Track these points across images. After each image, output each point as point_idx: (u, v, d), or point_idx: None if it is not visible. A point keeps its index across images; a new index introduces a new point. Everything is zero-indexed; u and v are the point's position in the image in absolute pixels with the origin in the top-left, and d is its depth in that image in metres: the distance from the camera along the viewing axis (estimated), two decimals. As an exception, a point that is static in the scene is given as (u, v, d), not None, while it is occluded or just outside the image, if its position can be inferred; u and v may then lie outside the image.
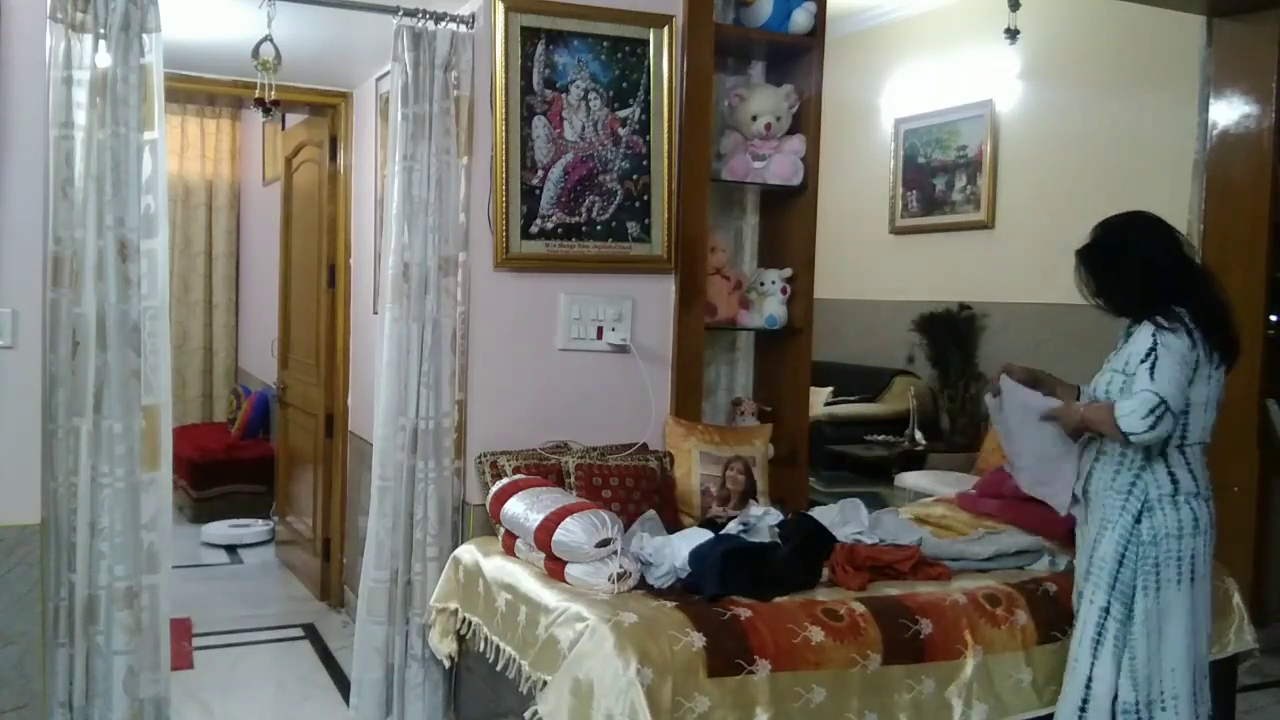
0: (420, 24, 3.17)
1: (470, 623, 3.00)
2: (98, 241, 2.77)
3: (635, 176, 3.44)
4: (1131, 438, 2.48)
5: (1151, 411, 2.44)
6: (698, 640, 2.41)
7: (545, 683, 2.49)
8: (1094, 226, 2.70)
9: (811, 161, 3.73)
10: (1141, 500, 2.56)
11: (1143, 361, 2.49)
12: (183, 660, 3.95)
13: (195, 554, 5.69)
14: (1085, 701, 2.60)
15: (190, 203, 7.64)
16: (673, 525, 3.28)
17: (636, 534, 2.89)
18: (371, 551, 3.24)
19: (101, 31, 2.76)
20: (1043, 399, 2.76)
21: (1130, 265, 2.60)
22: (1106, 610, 2.59)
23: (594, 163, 3.38)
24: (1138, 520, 2.56)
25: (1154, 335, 2.49)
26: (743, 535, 2.86)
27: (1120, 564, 2.57)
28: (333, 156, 4.71)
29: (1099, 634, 2.60)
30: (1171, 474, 2.56)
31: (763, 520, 2.90)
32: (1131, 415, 2.46)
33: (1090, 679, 2.60)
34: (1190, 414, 2.54)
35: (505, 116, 3.24)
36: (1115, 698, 2.58)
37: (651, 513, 3.13)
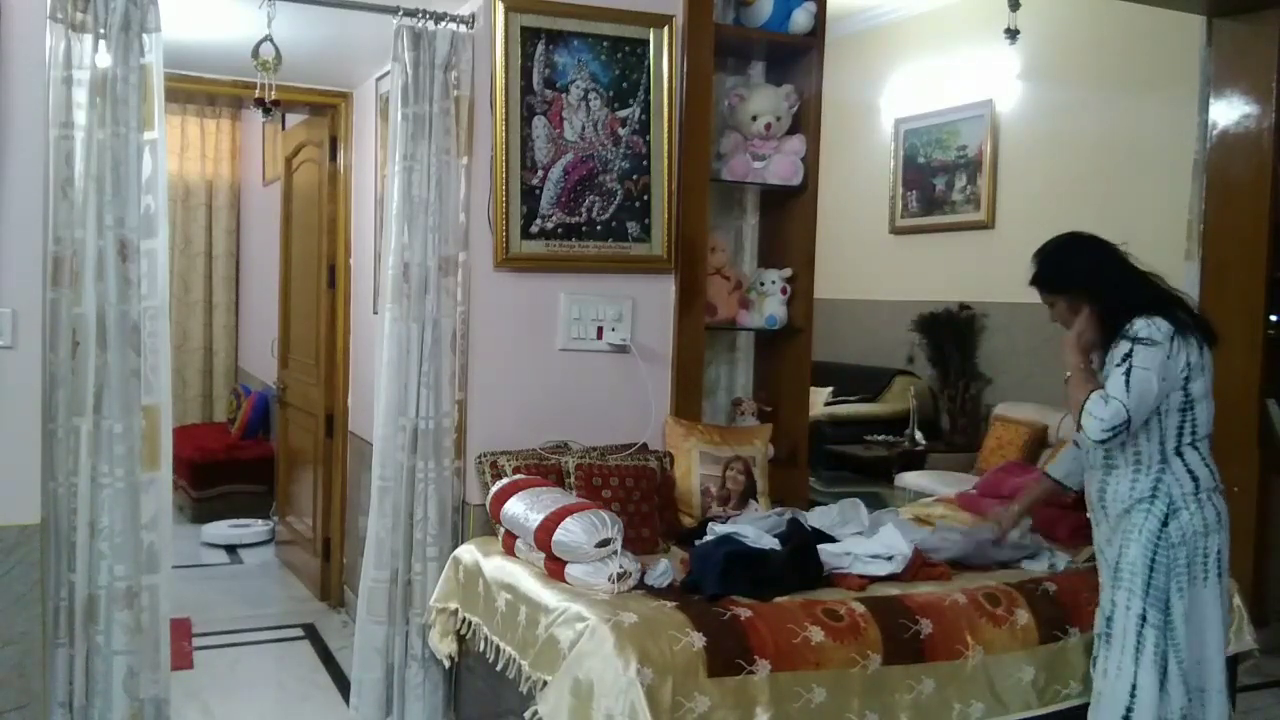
0: (420, 24, 3.17)
1: (470, 623, 3.00)
2: (98, 241, 2.77)
3: (635, 176, 3.44)
4: (1083, 436, 2.53)
5: (1114, 428, 2.46)
6: (698, 640, 2.41)
7: (545, 683, 2.49)
8: (1033, 257, 2.74)
9: (811, 161, 3.73)
10: (1167, 503, 2.54)
11: (1118, 365, 2.49)
12: (183, 660, 3.95)
13: (195, 554, 5.69)
14: (1129, 711, 2.55)
15: (190, 203, 7.64)
16: (673, 525, 3.29)
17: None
18: (371, 551, 3.24)
19: (101, 31, 2.76)
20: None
21: (1088, 285, 2.63)
22: (1143, 618, 2.54)
23: (594, 163, 3.38)
24: (1165, 523, 2.53)
25: (1131, 345, 2.49)
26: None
27: (1152, 569, 2.54)
28: (333, 156, 4.71)
29: (1139, 642, 2.55)
30: (1191, 472, 2.55)
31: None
32: (1099, 422, 2.46)
33: (1135, 687, 2.54)
34: (1196, 408, 2.54)
35: (505, 116, 3.24)
36: (1159, 703, 2.54)
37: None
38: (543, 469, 3.18)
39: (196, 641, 4.25)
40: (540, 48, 3.29)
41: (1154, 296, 2.60)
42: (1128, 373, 2.46)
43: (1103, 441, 2.49)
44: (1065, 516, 3.26)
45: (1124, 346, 2.51)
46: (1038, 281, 2.72)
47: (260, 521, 6.02)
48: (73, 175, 2.76)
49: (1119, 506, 2.61)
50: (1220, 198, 4.34)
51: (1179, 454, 2.55)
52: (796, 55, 3.77)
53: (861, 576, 2.82)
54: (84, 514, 2.80)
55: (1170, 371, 2.49)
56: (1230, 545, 2.64)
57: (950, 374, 6.44)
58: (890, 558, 2.89)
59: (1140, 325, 2.51)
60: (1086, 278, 2.65)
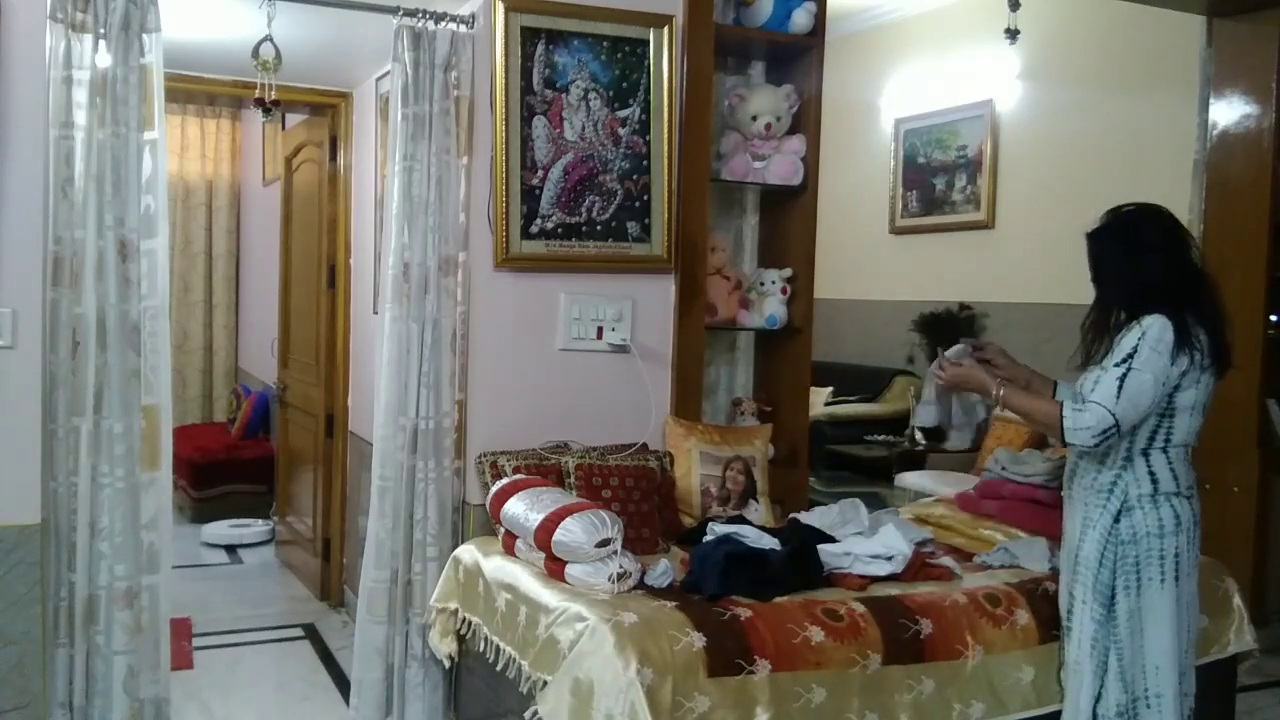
0: (420, 24, 3.17)
1: (470, 623, 3.00)
2: (98, 241, 2.77)
3: (635, 176, 3.44)
4: (1075, 447, 2.53)
5: (1104, 433, 2.46)
6: (698, 640, 2.41)
7: (545, 683, 2.49)
8: (1106, 211, 2.64)
9: (811, 161, 3.73)
10: (1121, 500, 2.56)
11: (1118, 364, 2.46)
12: (183, 660, 3.95)
13: (195, 554, 5.69)
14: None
15: (190, 203, 7.64)
16: (673, 525, 3.29)
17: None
18: (371, 551, 3.24)
19: (101, 31, 2.75)
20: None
21: (1138, 260, 2.55)
22: (1092, 612, 2.58)
23: (594, 163, 3.38)
24: (1116, 520, 2.55)
25: (1139, 341, 2.46)
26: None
27: (1100, 564, 2.57)
28: (333, 156, 4.71)
29: (1089, 636, 2.59)
30: (1152, 474, 2.55)
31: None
32: (1084, 431, 2.47)
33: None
34: (1175, 417, 2.53)
35: (505, 116, 3.24)
36: (1097, 699, 2.57)
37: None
38: (543, 469, 3.19)
39: (196, 641, 4.25)
40: (540, 48, 3.29)
41: (1193, 297, 2.53)
42: (1123, 377, 2.45)
43: (1096, 446, 2.49)
44: (1054, 515, 3.25)
45: (1131, 340, 2.47)
46: (1105, 234, 2.62)
47: (260, 521, 6.02)
48: (73, 175, 2.76)
49: (1081, 492, 2.65)
50: (1220, 198, 4.34)
51: (1145, 455, 2.55)
52: (796, 55, 3.77)
53: (861, 577, 2.82)
54: (84, 514, 2.80)
55: (1170, 377, 2.47)
56: (1200, 550, 2.63)
57: (950, 374, 6.42)
58: (890, 558, 2.89)
59: (1152, 321, 2.47)
60: (1163, 249, 2.55)
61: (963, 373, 2.75)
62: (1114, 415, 2.44)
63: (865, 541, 3.00)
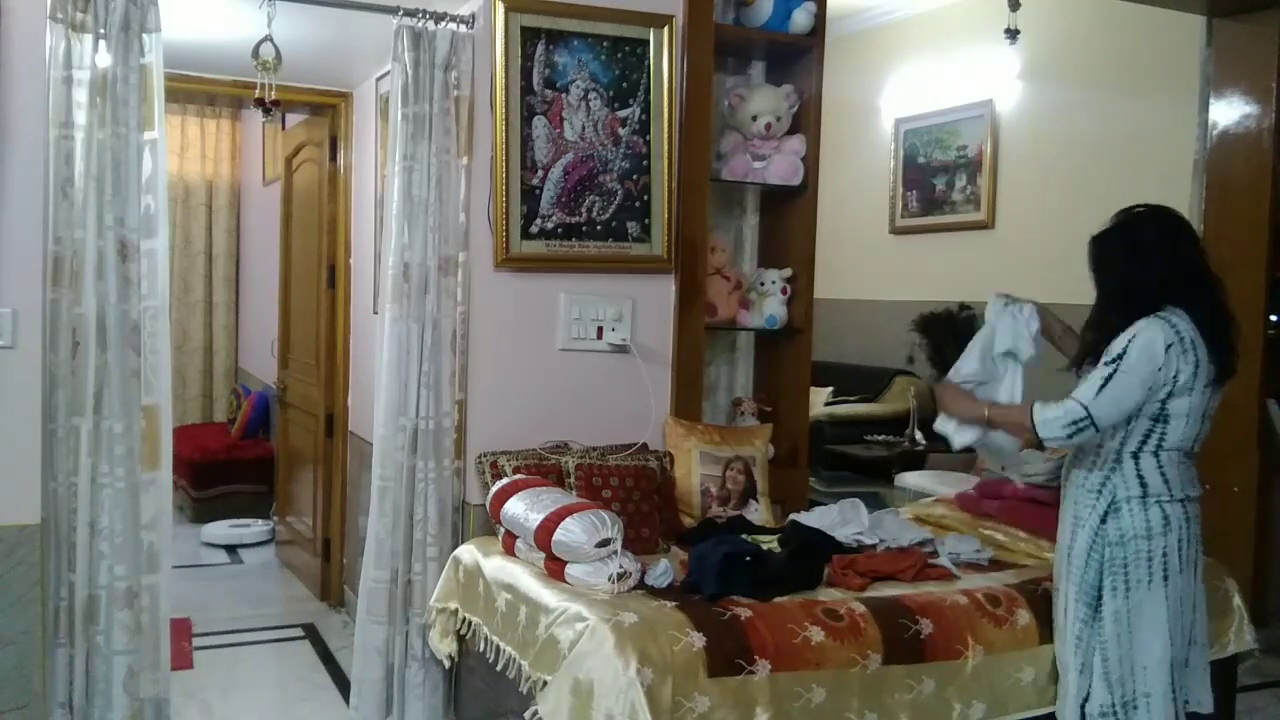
0: (420, 24, 3.17)
1: (470, 623, 3.00)
2: (98, 241, 2.77)
3: (635, 176, 3.44)
4: (1046, 442, 2.55)
5: (1074, 423, 2.47)
6: (698, 640, 2.41)
7: (545, 683, 2.49)
8: (1116, 212, 2.64)
9: (811, 161, 3.73)
10: (1109, 501, 2.56)
11: (1107, 364, 2.47)
12: (183, 660, 3.95)
13: (195, 554, 5.69)
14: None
15: (190, 203, 7.64)
16: (673, 525, 3.29)
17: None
18: (371, 551, 3.24)
19: (101, 31, 2.76)
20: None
21: (1134, 261, 2.55)
22: (1078, 612, 2.60)
23: (594, 163, 3.38)
24: (1104, 520, 2.56)
25: (1128, 344, 2.46)
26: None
27: (1086, 564, 2.58)
28: (333, 156, 4.71)
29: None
30: (1141, 476, 2.54)
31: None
32: (1053, 423, 2.50)
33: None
34: (1169, 423, 2.51)
35: (505, 116, 3.24)
36: (1085, 699, 2.58)
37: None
38: (543, 469, 3.18)
39: (196, 641, 4.25)
40: (540, 48, 3.29)
41: (1194, 299, 2.52)
42: (1108, 376, 2.46)
43: (1070, 438, 2.50)
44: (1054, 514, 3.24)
45: (1121, 342, 2.47)
46: (1106, 236, 2.61)
47: (260, 521, 6.02)
48: (73, 175, 2.76)
49: (1074, 492, 2.66)
50: (1220, 198, 4.34)
51: (1135, 458, 2.55)
52: (796, 55, 3.77)
53: (865, 570, 2.82)
54: (84, 514, 2.80)
55: (1157, 383, 2.47)
56: (1202, 550, 2.62)
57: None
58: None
59: (1146, 326, 2.46)
60: (1162, 251, 2.53)
61: (946, 397, 2.84)
62: (1085, 408, 2.46)
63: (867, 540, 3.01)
